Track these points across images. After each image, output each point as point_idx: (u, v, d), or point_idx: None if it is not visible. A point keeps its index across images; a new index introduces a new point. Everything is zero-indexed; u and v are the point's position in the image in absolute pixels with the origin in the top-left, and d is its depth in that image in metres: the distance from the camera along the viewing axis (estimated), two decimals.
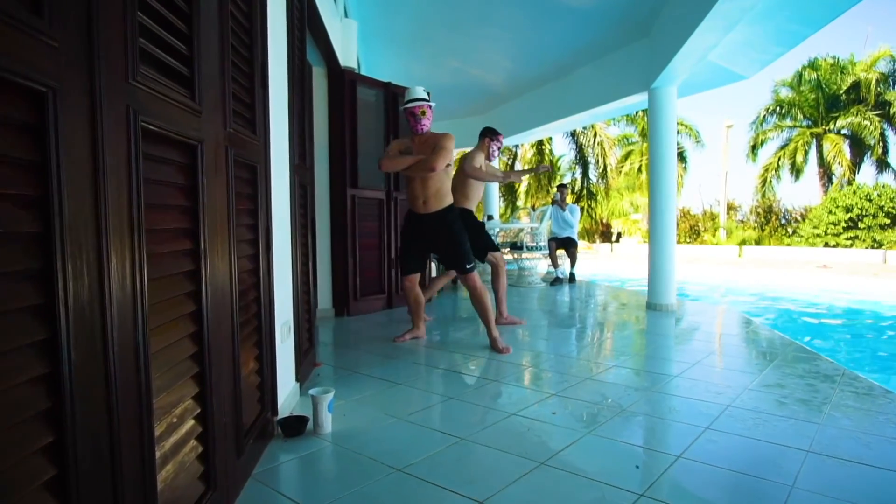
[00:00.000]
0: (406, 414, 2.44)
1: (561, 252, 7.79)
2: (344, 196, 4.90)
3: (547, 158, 18.49)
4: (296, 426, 2.21)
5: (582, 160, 17.95)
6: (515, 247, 7.59)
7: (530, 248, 7.38)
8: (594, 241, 20.27)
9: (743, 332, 4.42)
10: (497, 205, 9.86)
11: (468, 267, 3.58)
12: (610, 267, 13.28)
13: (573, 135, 17.79)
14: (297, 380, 2.67)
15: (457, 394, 2.74)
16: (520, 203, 19.45)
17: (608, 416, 2.41)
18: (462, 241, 3.57)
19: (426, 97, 3.53)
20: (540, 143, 17.95)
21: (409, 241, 3.70)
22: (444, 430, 2.26)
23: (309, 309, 3.06)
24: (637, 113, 19.76)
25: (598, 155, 17.30)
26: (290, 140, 2.62)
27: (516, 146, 19.53)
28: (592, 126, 17.14)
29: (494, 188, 9.71)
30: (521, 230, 7.95)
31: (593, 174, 18.49)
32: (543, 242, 7.48)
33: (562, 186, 8.07)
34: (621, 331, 4.57)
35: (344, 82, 4.90)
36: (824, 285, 8.81)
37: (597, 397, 2.69)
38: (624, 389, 2.80)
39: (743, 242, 16.12)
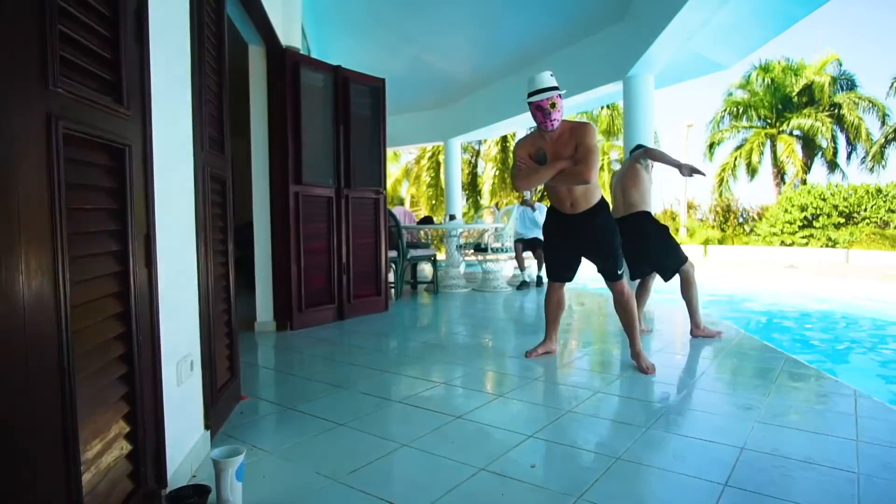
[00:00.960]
0: (346, 473, 1.89)
1: (528, 254, 7.35)
2: (286, 194, 4.30)
3: (511, 158, 18.12)
4: (193, 501, 1.64)
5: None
6: (479, 248, 7.11)
7: (495, 250, 6.91)
8: None
9: (732, 347, 4.03)
10: (460, 203, 9.36)
11: (619, 273, 3.18)
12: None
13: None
14: (208, 426, 2.09)
15: (414, 437, 2.20)
16: (484, 201, 19.01)
17: (608, 471, 1.92)
18: (616, 243, 3.18)
19: (554, 84, 3.01)
20: (504, 139, 17.50)
21: (557, 245, 3.34)
22: (394, 497, 1.72)
23: (229, 332, 2.48)
24: (599, 110, 19.63)
25: None
26: (196, 120, 2.04)
27: (480, 142, 19.11)
28: None
29: (457, 185, 9.20)
30: (485, 230, 7.47)
31: None
32: (509, 244, 7.02)
33: None
34: (594, 343, 4.13)
35: (285, 63, 4.30)
36: (798, 288, 8.62)
37: (587, 444, 2.20)
38: (616, 429, 2.32)
39: (707, 241, 16.10)
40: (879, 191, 15.48)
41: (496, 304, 6.08)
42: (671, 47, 4.23)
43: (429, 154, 18.79)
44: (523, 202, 7.38)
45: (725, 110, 22.25)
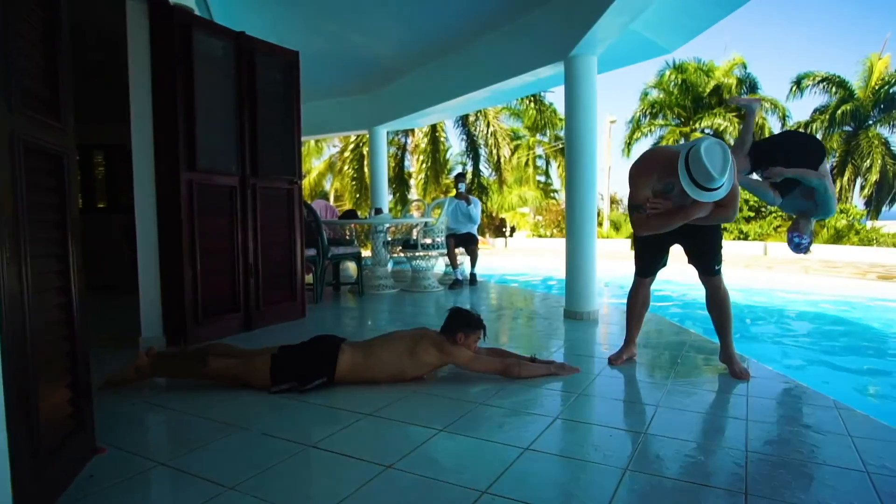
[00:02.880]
0: None
1: (460, 250, 6.89)
2: (176, 182, 3.56)
3: (443, 149, 17.62)
4: None
5: (473, 151, 17.30)
6: (408, 245, 6.56)
7: (425, 247, 6.39)
8: (484, 236, 19.84)
9: (690, 352, 3.72)
10: (386, 197, 8.75)
11: (717, 268, 2.93)
12: (508, 262, 12.73)
13: (464, 124, 17.08)
14: None
15: (338, 501, 1.63)
16: (412, 195, 18.41)
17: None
18: (718, 238, 2.97)
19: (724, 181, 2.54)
20: (433, 129, 16.99)
21: (654, 238, 2.95)
22: None
23: (72, 365, 1.79)
24: (526, 105, 19.58)
25: (490, 146, 16.71)
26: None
27: (406, 135, 18.49)
28: (485, 116, 16.51)
29: (384, 177, 8.59)
30: (414, 226, 6.93)
31: (485, 167, 17.97)
32: (440, 239, 6.52)
33: (462, 175, 7.16)
34: (539, 352, 3.70)
35: (173, 25, 3.55)
36: (732, 281, 8.71)
37: (496, 437, 1.73)
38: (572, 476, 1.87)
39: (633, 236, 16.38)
40: None
41: (427, 305, 5.56)
42: (616, 24, 3.87)
43: (352, 146, 17.96)
44: (457, 195, 6.89)
45: (643, 109, 22.95)
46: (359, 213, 9.37)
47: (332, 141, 21.82)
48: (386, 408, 2.45)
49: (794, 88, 21.01)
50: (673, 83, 22.40)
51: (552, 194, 24.85)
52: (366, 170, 16.04)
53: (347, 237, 6.61)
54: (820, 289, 8.01)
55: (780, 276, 9.28)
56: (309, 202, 5.54)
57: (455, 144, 18.69)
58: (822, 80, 20.37)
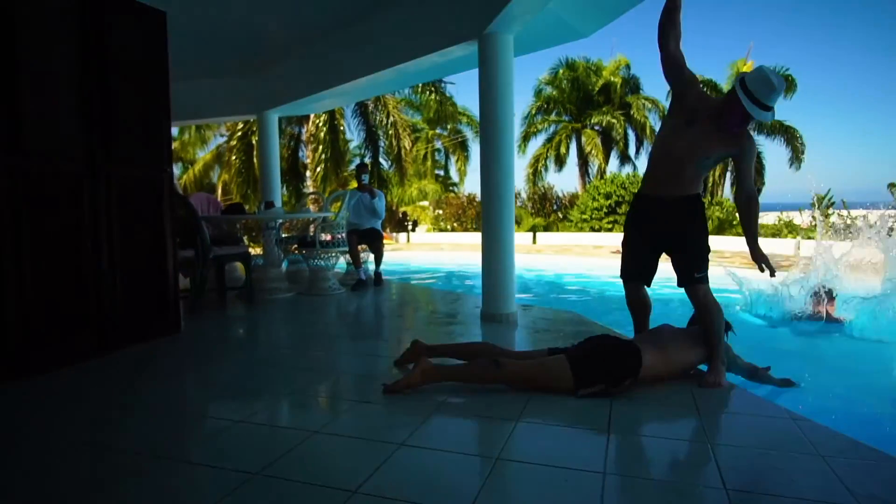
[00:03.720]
0: None
1: (363, 247, 6.33)
2: None
3: (343, 139, 16.67)
4: None
5: (372, 143, 16.59)
6: (305, 242, 5.89)
7: (325, 244, 5.76)
8: (386, 231, 19.24)
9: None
10: (279, 190, 7.95)
11: (698, 275, 2.69)
12: (413, 258, 12.26)
13: (363, 114, 16.31)
14: None
15: None
16: (307, 187, 17.32)
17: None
18: (706, 238, 2.75)
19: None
20: (332, 117, 16.00)
21: (632, 235, 2.90)
22: None
23: None
24: (426, 98, 19.17)
25: (391, 137, 16.10)
26: None
27: (301, 124, 17.38)
28: (385, 105, 15.86)
29: (276, 167, 7.77)
30: (311, 221, 6.25)
31: (384, 159, 17.32)
32: (341, 236, 5.92)
33: (364, 166, 6.57)
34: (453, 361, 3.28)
35: None
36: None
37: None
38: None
39: (534, 229, 16.54)
40: None
41: (328, 310, 4.97)
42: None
43: (240, 133, 16.57)
44: (359, 186, 6.30)
45: (538, 105, 23.48)
46: (247, 208, 8.49)
47: (221, 129, 20.14)
48: (291, 453, 1.89)
49: None
50: (565, 80, 23.09)
51: (451, 188, 24.77)
52: (255, 160, 14.82)
53: (234, 235, 5.83)
54: (714, 278, 8.29)
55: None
56: (184, 194, 4.72)
57: (353, 135, 17.84)
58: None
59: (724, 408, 2.43)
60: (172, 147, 4.12)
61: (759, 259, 2.70)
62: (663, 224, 2.75)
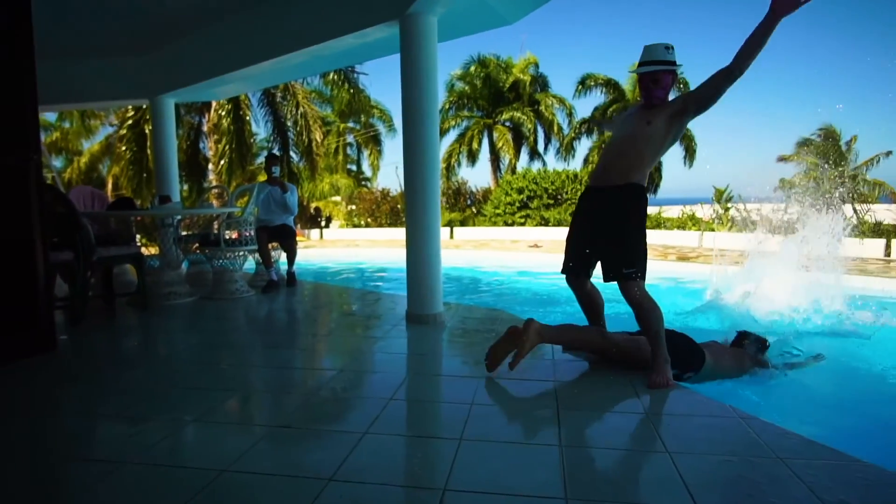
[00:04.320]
0: None
1: (275, 245, 5.85)
2: None
3: (249, 130, 15.57)
4: None
5: (281, 135, 15.68)
6: (207, 241, 5.33)
7: (231, 243, 5.24)
8: (297, 227, 18.39)
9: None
10: (177, 184, 7.21)
11: (627, 272, 2.59)
12: (327, 255, 11.71)
13: (270, 104, 15.35)
14: None
15: None
16: (210, 182, 16.12)
17: None
18: (640, 234, 2.66)
19: (667, 58, 2.63)
20: (237, 106, 14.86)
21: (572, 228, 2.92)
22: None
23: None
24: (337, 90, 18.46)
25: (301, 129, 15.28)
26: None
27: (202, 114, 16.14)
28: (294, 95, 15.03)
29: (173, 159, 7.03)
30: (214, 217, 5.68)
31: (294, 152, 16.43)
32: (250, 233, 5.42)
33: (275, 157, 6.05)
34: (383, 369, 3.00)
35: None
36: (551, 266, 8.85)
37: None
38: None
39: (450, 223, 16.41)
40: (576, 176, 17.83)
41: (235, 316, 4.50)
42: None
43: (130, 122, 15.12)
44: (269, 180, 5.79)
45: (451, 101, 23.48)
46: (138, 203, 7.66)
47: (111, 118, 18.35)
48: None
49: (579, 88, 23.09)
50: (477, 76, 23.25)
51: (364, 182, 24.22)
52: (149, 151, 13.57)
53: (124, 233, 5.16)
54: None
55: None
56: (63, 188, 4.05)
57: (260, 127, 16.81)
58: (602, 83, 22.72)
59: (673, 410, 2.33)
60: (49, 136, 3.49)
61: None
62: (603, 213, 2.68)
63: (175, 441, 2.07)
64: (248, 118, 15.57)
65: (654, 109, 2.64)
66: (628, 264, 2.59)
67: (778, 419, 2.18)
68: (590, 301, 2.94)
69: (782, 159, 20.30)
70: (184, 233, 5.90)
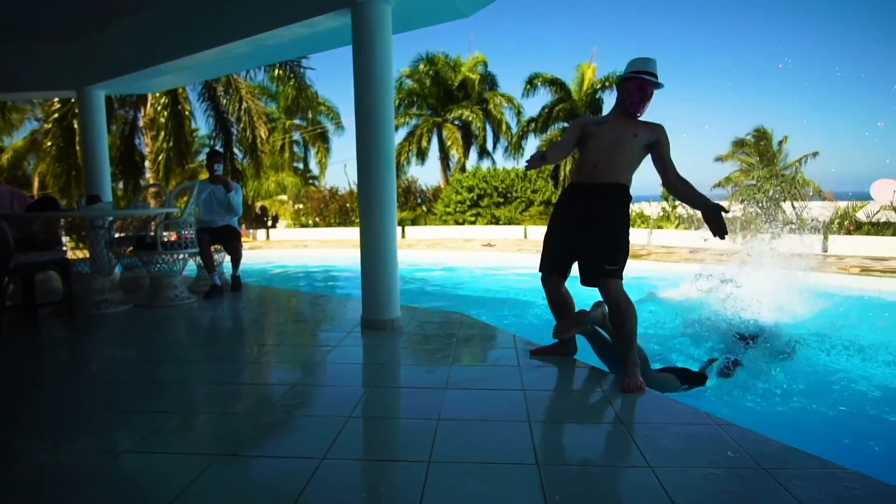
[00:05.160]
0: None
1: (218, 248, 5.50)
2: None
3: (189, 127, 14.79)
4: None
5: (224, 131, 14.97)
6: (143, 244, 4.94)
7: (169, 246, 4.88)
8: (241, 227, 17.68)
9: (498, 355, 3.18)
10: (108, 181, 6.70)
11: (609, 268, 2.54)
12: (274, 257, 11.28)
13: (212, 98, 14.61)
14: None
15: None
16: (147, 181, 15.23)
17: None
18: (625, 232, 2.64)
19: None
20: (174, 99, 14.04)
21: (555, 224, 2.79)
22: None
23: None
24: (283, 86, 17.86)
25: (244, 125, 14.63)
26: None
27: (137, 109, 15.25)
28: (237, 90, 14.36)
29: (104, 155, 6.52)
30: (151, 218, 5.29)
31: (238, 149, 15.74)
32: (190, 234, 5.06)
33: (217, 154, 5.68)
34: (337, 381, 2.81)
35: None
36: (522, 264, 8.69)
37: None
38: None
39: (402, 223, 16.19)
40: (525, 174, 17.99)
41: (175, 325, 4.17)
42: None
43: (56, 115, 14.12)
44: (212, 178, 5.42)
45: (400, 97, 23.21)
46: (64, 203, 7.09)
47: (36, 111, 17.09)
48: None
49: (527, 87, 23.26)
50: (426, 74, 23.09)
51: (312, 181, 23.64)
52: (78, 147, 12.68)
53: (52, 237, 4.72)
54: None
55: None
56: None
57: (201, 122, 16.05)
58: (549, 82, 22.97)
59: (648, 418, 2.24)
60: None
61: (713, 212, 2.54)
62: (585, 207, 2.66)
63: (104, 476, 1.80)
64: (187, 113, 14.80)
65: (638, 124, 2.68)
66: (612, 261, 2.57)
67: (751, 423, 2.14)
68: (563, 302, 2.87)
69: (719, 159, 21.12)
70: (117, 235, 5.46)
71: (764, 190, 10.11)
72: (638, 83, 2.64)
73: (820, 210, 10.11)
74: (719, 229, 2.52)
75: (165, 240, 4.92)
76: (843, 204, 10.23)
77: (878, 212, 9.65)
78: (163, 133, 14.13)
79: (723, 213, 2.51)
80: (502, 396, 2.44)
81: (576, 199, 2.73)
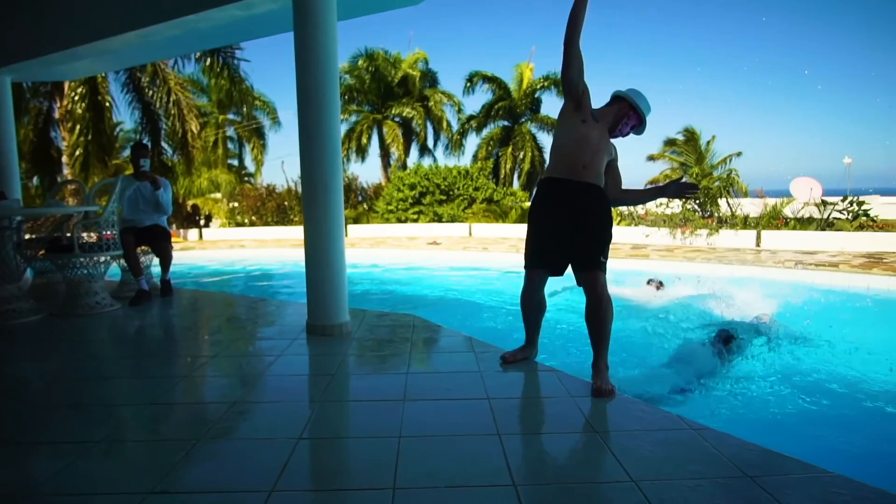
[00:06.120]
0: None
1: (145, 249, 5.06)
2: None
3: (110, 120, 13.69)
4: None
5: (151, 125, 13.99)
6: (58, 246, 4.45)
7: (88, 248, 4.42)
8: (172, 227, 16.70)
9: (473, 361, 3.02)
10: (17, 177, 6.06)
11: (603, 260, 2.56)
12: (208, 258, 10.66)
13: (136, 89, 13.61)
14: None
15: None
16: (64, 176, 14.05)
17: None
18: (611, 228, 2.69)
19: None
20: (93, 88, 12.95)
21: (544, 219, 2.69)
22: None
23: None
24: (215, 79, 16.97)
25: (173, 118, 13.72)
26: None
27: (52, 99, 14.05)
28: (165, 81, 13.44)
29: (11, 148, 5.88)
30: (67, 217, 4.79)
31: (167, 144, 14.79)
32: (112, 235, 4.61)
33: (143, 147, 5.21)
34: (287, 403, 2.56)
35: None
36: (470, 262, 8.55)
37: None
38: None
39: (344, 221, 15.75)
40: (467, 172, 17.98)
41: (96, 336, 3.76)
42: None
43: None
44: (137, 174, 4.95)
45: (341, 94, 22.69)
46: None
47: None
48: None
49: (467, 85, 23.29)
50: (365, 70, 22.70)
51: (247, 178, 22.74)
52: None
53: None
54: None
55: (493, 255, 9.62)
56: None
57: (125, 115, 14.94)
58: (488, 80, 23.07)
59: (623, 426, 2.13)
60: None
61: (675, 185, 2.75)
62: (576, 203, 2.61)
63: None
64: (108, 104, 13.76)
65: (610, 142, 2.74)
66: (605, 254, 2.60)
67: (715, 423, 2.08)
68: (538, 307, 2.81)
69: (651, 158, 21.87)
70: (28, 236, 4.91)
71: (704, 187, 10.47)
72: (638, 120, 2.74)
73: (751, 207, 10.57)
74: (689, 188, 2.72)
75: (84, 241, 4.45)
76: (771, 201, 10.72)
77: (802, 208, 10.17)
78: (80, 126, 13.07)
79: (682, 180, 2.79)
80: (467, 407, 2.27)
81: (566, 195, 2.64)
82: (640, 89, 2.76)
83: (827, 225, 9.69)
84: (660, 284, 5.55)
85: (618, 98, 2.75)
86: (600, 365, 2.47)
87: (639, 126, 2.77)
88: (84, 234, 4.61)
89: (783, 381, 3.34)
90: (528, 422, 2.19)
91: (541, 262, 2.70)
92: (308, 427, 2.10)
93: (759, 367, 3.50)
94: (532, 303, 2.77)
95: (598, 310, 2.52)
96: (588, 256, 2.56)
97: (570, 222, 2.60)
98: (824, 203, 10.00)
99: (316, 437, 2.04)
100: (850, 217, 9.61)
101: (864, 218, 9.48)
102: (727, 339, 3.64)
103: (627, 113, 2.71)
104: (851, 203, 9.68)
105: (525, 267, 2.76)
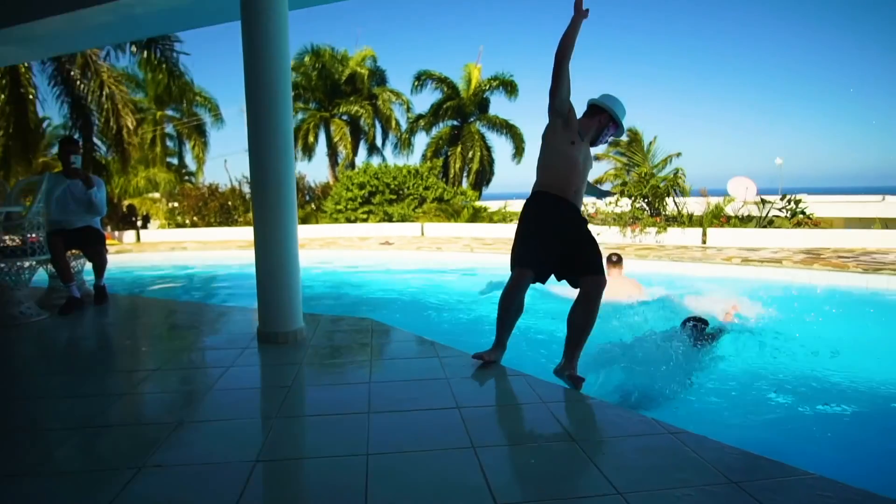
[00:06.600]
0: None
1: (76, 253, 4.67)
2: None
3: (35, 115, 12.66)
4: None
5: (83, 120, 13.06)
6: None
7: (10, 252, 4.02)
8: (106, 229, 15.76)
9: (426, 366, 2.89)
10: None
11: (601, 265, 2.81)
12: (146, 261, 10.06)
13: (65, 82, 12.63)
14: None
15: None
16: None
17: None
18: None
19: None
20: (17, 84, 11.88)
21: (546, 231, 2.77)
22: None
23: None
24: (153, 73, 16.13)
25: (107, 113, 12.88)
26: None
27: None
28: (97, 74, 12.57)
29: None
30: None
31: (101, 141, 13.89)
32: (38, 237, 4.22)
33: (73, 142, 4.78)
34: (240, 421, 2.37)
35: None
36: (424, 263, 8.36)
37: None
38: None
39: None
40: (417, 171, 17.86)
41: (19, 350, 3.42)
42: None
43: None
44: (67, 171, 4.54)
45: None
46: None
47: None
48: None
49: (416, 84, 23.13)
50: (312, 67, 22.22)
51: (188, 177, 21.82)
52: None
53: None
54: (484, 263, 8.33)
55: (447, 254, 9.50)
56: None
57: (52, 109, 13.96)
58: (437, 79, 22.98)
59: (600, 432, 2.06)
60: None
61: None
62: (576, 222, 2.81)
63: None
64: (31, 97, 12.80)
65: (590, 156, 2.93)
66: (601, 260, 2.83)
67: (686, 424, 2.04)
68: (517, 311, 2.84)
69: (595, 158, 22.36)
70: None
71: (651, 185, 10.72)
72: (615, 128, 2.91)
73: (695, 205, 10.91)
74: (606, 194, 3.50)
75: (5, 245, 4.05)
76: (714, 200, 11.10)
77: (742, 206, 10.57)
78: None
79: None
80: (437, 418, 2.15)
81: (568, 213, 2.80)
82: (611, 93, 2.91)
83: (767, 223, 10.11)
84: (618, 259, 5.03)
85: (596, 109, 2.88)
86: (577, 354, 2.68)
87: (616, 130, 2.93)
88: (6, 238, 4.22)
89: (748, 377, 3.38)
90: (502, 432, 2.08)
91: (532, 264, 2.77)
92: (265, 448, 1.92)
93: (722, 365, 3.53)
94: (515, 303, 2.80)
95: (590, 309, 2.68)
96: (597, 263, 2.75)
97: (569, 237, 2.76)
98: (763, 202, 10.42)
99: (274, 458, 1.86)
100: (788, 215, 10.05)
101: (802, 216, 9.94)
102: (697, 324, 3.73)
103: (607, 124, 2.87)
104: (789, 202, 10.13)
105: (515, 265, 2.80)
